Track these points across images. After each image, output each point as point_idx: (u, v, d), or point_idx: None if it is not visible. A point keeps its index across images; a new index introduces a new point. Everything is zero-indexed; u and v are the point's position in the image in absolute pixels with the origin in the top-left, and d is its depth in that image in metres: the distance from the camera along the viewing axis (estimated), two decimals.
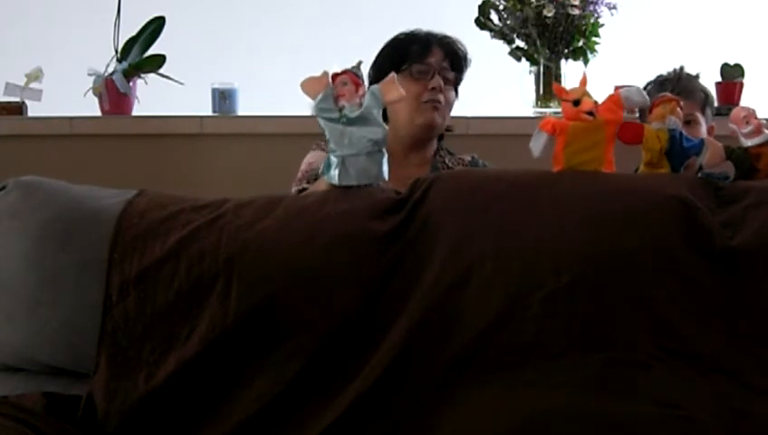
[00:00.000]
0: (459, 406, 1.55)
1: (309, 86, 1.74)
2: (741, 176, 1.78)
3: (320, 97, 1.72)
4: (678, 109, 1.76)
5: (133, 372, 1.62)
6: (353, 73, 1.74)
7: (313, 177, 2.18)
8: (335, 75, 1.73)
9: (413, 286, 1.62)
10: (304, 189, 2.17)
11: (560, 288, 1.59)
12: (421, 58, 2.31)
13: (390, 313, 1.61)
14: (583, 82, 1.75)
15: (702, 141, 1.78)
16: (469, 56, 2.39)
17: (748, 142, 1.76)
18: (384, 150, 1.74)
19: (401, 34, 2.39)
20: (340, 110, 1.71)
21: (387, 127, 1.74)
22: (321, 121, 1.73)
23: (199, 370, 1.62)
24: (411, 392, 1.57)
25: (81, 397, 1.63)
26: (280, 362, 1.61)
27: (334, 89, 1.73)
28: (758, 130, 1.76)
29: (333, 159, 1.73)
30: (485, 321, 1.58)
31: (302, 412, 1.58)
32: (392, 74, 1.79)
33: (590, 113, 1.71)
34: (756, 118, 1.76)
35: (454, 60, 2.35)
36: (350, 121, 1.71)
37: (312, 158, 2.33)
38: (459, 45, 2.37)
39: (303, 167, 2.32)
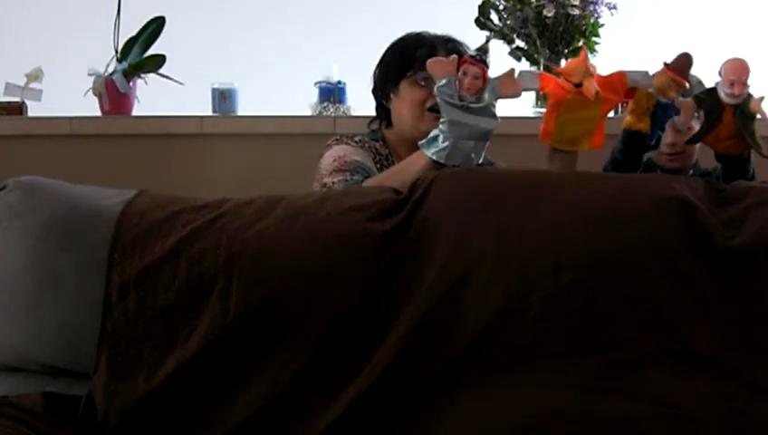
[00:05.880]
0: (460, 406, 1.55)
1: (436, 68, 1.84)
2: (709, 124, 1.87)
3: (444, 81, 1.81)
4: (677, 90, 1.88)
5: (133, 373, 1.62)
6: (483, 65, 1.80)
7: (356, 168, 2.13)
8: (462, 60, 1.81)
9: (413, 286, 1.62)
10: (348, 180, 2.10)
11: (560, 288, 1.59)
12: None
13: (390, 313, 1.61)
14: (583, 58, 1.79)
15: (674, 103, 1.89)
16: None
17: (726, 98, 1.84)
18: (489, 140, 1.85)
19: (409, 36, 2.34)
20: (461, 98, 1.81)
21: (499, 120, 1.84)
22: (441, 102, 1.82)
23: (199, 370, 1.62)
24: (411, 392, 1.57)
25: (81, 397, 1.63)
26: (280, 362, 1.61)
27: (459, 76, 1.81)
28: (736, 96, 1.84)
29: (444, 139, 1.82)
30: (486, 321, 1.58)
31: (303, 412, 1.58)
32: (511, 69, 1.85)
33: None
34: (744, 85, 1.84)
35: None
36: (470, 109, 1.81)
37: (341, 151, 2.23)
38: (465, 49, 2.33)
39: (334, 160, 2.20)
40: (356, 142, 2.27)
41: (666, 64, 1.86)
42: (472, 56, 1.80)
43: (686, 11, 3.40)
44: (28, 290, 1.69)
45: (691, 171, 2.13)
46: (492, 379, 1.57)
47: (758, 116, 1.85)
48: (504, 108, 2.99)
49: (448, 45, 2.28)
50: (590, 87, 1.77)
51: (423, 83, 2.23)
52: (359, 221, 1.68)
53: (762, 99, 1.85)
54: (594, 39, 2.98)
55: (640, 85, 1.87)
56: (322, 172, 2.19)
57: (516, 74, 1.85)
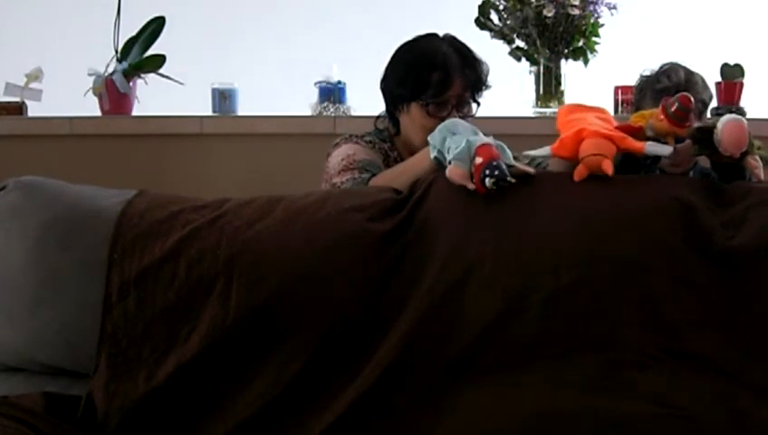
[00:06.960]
0: (460, 406, 1.55)
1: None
2: (705, 153, 1.81)
3: (462, 166, 1.73)
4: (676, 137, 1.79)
5: (133, 373, 1.63)
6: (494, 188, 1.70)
7: (365, 167, 2.09)
8: (479, 169, 1.70)
9: (413, 286, 1.62)
10: (356, 179, 2.06)
11: (560, 288, 1.59)
12: (440, 93, 2.17)
13: (391, 312, 1.61)
14: (606, 169, 1.71)
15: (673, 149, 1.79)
16: (489, 81, 2.25)
17: (724, 152, 1.76)
18: None
19: (422, 50, 2.22)
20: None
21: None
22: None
23: (199, 370, 1.62)
24: (412, 392, 1.57)
25: (81, 397, 1.63)
26: (280, 362, 1.61)
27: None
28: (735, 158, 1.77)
29: (460, 155, 1.73)
30: (486, 321, 1.58)
31: (303, 412, 1.58)
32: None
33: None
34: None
35: (474, 88, 2.22)
36: None
37: (350, 150, 2.19)
38: (481, 72, 2.23)
39: (342, 159, 2.16)
40: (366, 142, 2.24)
41: (665, 112, 1.75)
42: (494, 185, 1.67)
43: (686, 11, 3.40)
44: (28, 290, 1.69)
45: (691, 172, 2.12)
46: (492, 379, 1.57)
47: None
48: (504, 108, 3.01)
49: (465, 70, 2.19)
50: (608, 170, 1.71)
51: (434, 112, 2.17)
52: (359, 221, 1.68)
53: (759, 147, 1.79)
54: (594, 39, 2.98)
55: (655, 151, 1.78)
56: (331, 172, 2.16)
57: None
